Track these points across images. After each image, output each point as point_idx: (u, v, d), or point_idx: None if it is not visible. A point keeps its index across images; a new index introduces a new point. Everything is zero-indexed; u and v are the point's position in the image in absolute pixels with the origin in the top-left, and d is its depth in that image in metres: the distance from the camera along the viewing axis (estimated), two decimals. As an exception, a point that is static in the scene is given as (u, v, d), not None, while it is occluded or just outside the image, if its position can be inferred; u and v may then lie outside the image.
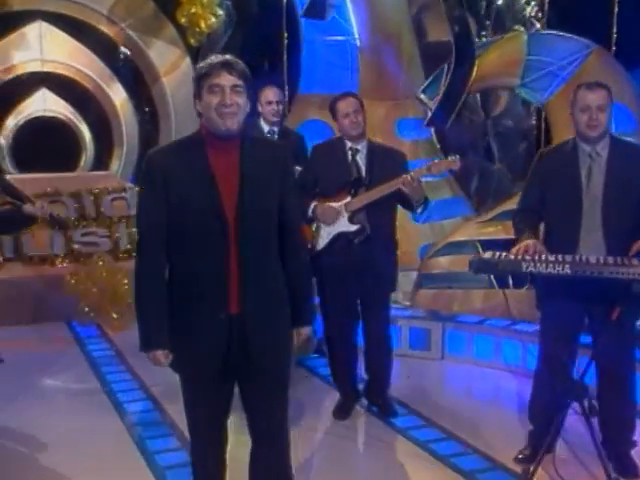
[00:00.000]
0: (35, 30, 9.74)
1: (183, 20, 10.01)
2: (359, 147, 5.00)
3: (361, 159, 4.98)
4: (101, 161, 10.13)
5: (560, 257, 3.67)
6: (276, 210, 3.24)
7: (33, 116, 9.82)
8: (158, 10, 10.21)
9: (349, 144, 5.02)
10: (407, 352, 6.30)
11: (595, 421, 3.95)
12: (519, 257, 3.68)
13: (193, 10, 10.00)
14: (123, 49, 10.13)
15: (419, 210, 5.00)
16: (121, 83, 10.22)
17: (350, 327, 5.08)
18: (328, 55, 8.89)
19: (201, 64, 3.24)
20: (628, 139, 4.47)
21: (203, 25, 10.10)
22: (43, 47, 9.81)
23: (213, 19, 10.07)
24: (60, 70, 9.94)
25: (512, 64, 7.64)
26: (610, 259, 3.66)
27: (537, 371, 4.38)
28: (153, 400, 5.46)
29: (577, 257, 3.72)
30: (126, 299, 7.27)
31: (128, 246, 7.96)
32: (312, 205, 4.97)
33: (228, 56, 3.19)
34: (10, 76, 9.74)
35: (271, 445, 3.35)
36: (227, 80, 3.08)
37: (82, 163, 10.05)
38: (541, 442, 3.97)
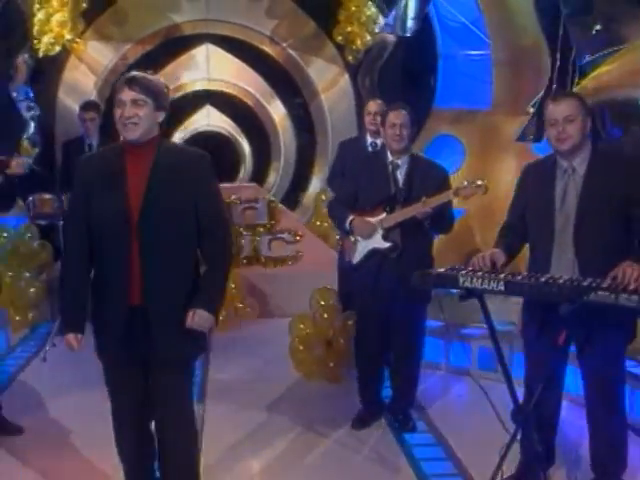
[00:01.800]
0: (203, 52, 10.50)
1: (339, 38, 10.37)
2: (400, 162, 4.88)
3: (400, 175, 4.89)
4: (259, 173, 10.67)
5: (502, 274, 3.46)
6: (186, 211, 3.43)
7: (198, 131, 10.58)
8: (318, 29, 10.59)
9: (390, 157, 4.93)
10: (476, 372, 6.05)
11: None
12: (455, 271, 3.52)
13: (349, 29, 10.33)
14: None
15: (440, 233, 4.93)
16: (280, 100, 10.69)
17: (379, 341, 5.02)
18: (465, 69, 8.80)
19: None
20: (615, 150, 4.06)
21: (359, 43, 10.38)
22: (209, 67, 10.54)
23: (369, 37, 10.30)
24: (224, 88, 10.62)
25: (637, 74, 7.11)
26: (545, 278, 3.39)
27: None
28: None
29: (519, 275, 3.48)
30: (232, 302, 7.65)
31: (252, 253, 8.37)
32: (349, 218, 4.98)
33: (134, 72, 3.48)
34: (179, 94, 10.54)
35: (177, 431, 3.53)
36: (127, 95, 3.37)
37: (241, 175, 10.67)
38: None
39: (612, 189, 3.67)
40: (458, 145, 8.44)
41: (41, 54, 9.96)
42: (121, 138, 3.51)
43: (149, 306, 3.40)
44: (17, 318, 7.30)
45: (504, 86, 8.35)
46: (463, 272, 3.50)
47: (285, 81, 10.72)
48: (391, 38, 10.50)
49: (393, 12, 9.71)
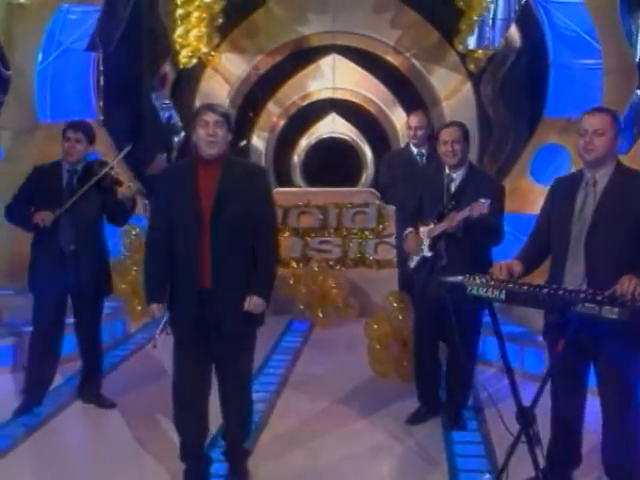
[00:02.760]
0: (329, 62, 11.05)
1: (460, 48, 10.57)
2: (454, 175, 5.10)
3: (454, 187, 5.16)
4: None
5: (506, 284, 3.66)
6: (246, 215, 4.05)
7: (322, 137, 11.14)
8: (442, 39, 10.85)
9: (447, 171, 5.21)
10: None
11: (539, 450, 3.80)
12: (466, 279, 3.77)
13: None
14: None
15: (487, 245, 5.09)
16: (402, 107, 11.02)
17: (433, 343, 5.28)
18: (578, 78, 8.82)
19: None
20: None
21: (480, 52, 10.54)
22: (335, 77, 11.07)
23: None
24: (348, 97, 11.13)
25: None
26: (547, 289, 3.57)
27: None
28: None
29: (524, 285, 3.67)
30: (334, 301, 8.09)
31: (358, 255, 8.78)
32: (407, 231, 5.30)
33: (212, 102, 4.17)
34: (305, 102, 11.16)
35: (238, 379, 4.21)
36: (211, 117, 4.02)
37: (363, 180, 11.11)
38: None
39: (628, 204, 3.79)
40: (565, 154, 8.47)
41: (180, 66, 10.84)
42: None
43: (216, 289, 4.03)
44: (139, 308, 8.04)
45: (613, 95, 8.30)
46: (471, 281, 3.76)
47: (407, 89, 11.05)
48: (514, 46, 10.62)
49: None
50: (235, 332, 4.12)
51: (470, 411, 5.40)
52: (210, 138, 3.99)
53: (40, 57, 9.22)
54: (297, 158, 11.22)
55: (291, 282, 8.22)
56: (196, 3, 10.54)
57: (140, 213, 7.93)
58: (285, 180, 11.26)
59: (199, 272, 4.04)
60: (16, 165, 8.39)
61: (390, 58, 11.01)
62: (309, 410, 5.54)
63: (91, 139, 5.46)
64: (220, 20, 10.73)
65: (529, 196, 8.44)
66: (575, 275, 3.86)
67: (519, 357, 6.33)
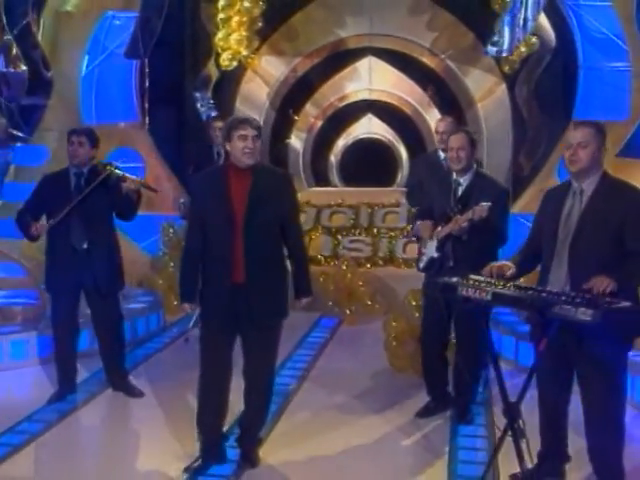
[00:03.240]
0: (365, 64, 11.30)
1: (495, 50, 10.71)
2: (461, 180, 5.31)
3: (460, 191, 5.38)
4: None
5: (493, 285, 3.88)
6: (276, 217, 4.45)
7: (359, 137, 11.40)
8: (477, 41, 11.01)
9: (454, 176, 5.43)
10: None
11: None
12: (458, 280, 3.99)
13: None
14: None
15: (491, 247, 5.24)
16: (437, 108, 11.21)
17: (440, 341, 5.50)
18: (607, 81, 8.91)
19: (232, 118, 4.62)
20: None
21: (515, 54, 10.67)
22: (372, 78, 11.31)
23: (523, 49, 10.57)
24: (384, 98, 11.37)
25: None
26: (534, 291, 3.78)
27: None
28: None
29: (510, 286, 3.89)
30: (361, 299, 8.35)
31: (387, 254, 9.02)
32: (415, 223, 5.56)
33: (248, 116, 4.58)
34: (342, 104, 11.43)
35: (263, 366, 4.55)
36: (250, 132, 4.37)
37: (398, 179, 11.32)
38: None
39: (611, 212, 3.96)
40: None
41: (221, 68, 11.20)
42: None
43: (248, 284, 4.39)
44: (175, 303, 8.38)
45: (640, 98, 8.40)
46: (462, 282, 3.99)
47: (442, 91, 11.24)
48: (549, 47, 10.71)
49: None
50: (264, 323, 4.50)
51: (479, 407, 5.61)
52: (248, 150, 4.35)
53: (85, 62, 9.65)
54: (334, 158, 11.50)
55: (321, 280, 8.48)
56: (237, 7, 10.90)
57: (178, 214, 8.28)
58: (322, 179, 11.55)
59: (232, 269, 4.40)
60: (61, 165, 8.75)
61: (425, 60, 11.23)
62: (324, 402, 5.81)
63: (94, 143, 5.76)
64: (260, 24, 11.09)
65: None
66: (559, 278, 4.05)
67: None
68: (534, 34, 10.62)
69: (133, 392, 5.91)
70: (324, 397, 5.94)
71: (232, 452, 4.73)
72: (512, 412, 3.95)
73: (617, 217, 3.96)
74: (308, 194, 9.95)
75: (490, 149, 10.97)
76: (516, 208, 8.97)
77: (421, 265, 5.54)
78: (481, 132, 11.10)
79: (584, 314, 3.48)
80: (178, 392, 5.92)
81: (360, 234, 9.23)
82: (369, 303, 8.40)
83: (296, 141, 11.70)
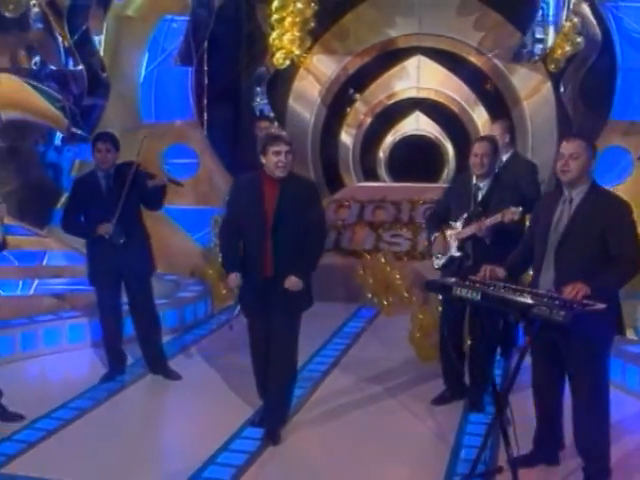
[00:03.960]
0: (414, 63, 11.65)
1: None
2: (481, 185, 5.63)
3: (480, 195, 5.74)
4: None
5: (485, 287, 4.26)
6: (300, 220, 5.03)
7: (407, 134, 11.76)
8: (524, 40, 11.25)
9: (474, 180, 5.80)
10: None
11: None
12: (454, 281, 4.38)
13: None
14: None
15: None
16: (484, 106, 11.50)
17: (457, 333, 5.88)
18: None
19: (266, 134, 5.26)
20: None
21: (559, 53, 10.90)
22: (420, 77, 11.66)
23: (568, 47, 10.79)
24: (432, 96, 11.71)
25: None
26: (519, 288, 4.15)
27: None
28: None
29: (500, 287, 4.27)
30: (398, 291, 8.75)
31: (426, 248, 9.37)
32: (434, 235, 5.94)
33: (283, 132, 5.24)
34: (391, 101, 11.81)
35: (284, 347, 5.16)
36: (283, 148, 4.98)
37: (444, 175, 11.66)
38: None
39: (595, 219, 4.29)
40: (627, 156, 8.80)
41: (275, 67, 11.71)
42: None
43: (276, 277, 5.03)
44: (223, 292, 8.94)
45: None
46: (457, 282, 4.39)
47: (489, 89, 11.51)
48: (595, 47, 10.87)
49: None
50: (287, 312, 5.12)
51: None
52: (281, 164, 4.98)
53: (145, 63, 10.26)
54: (382, 154, 11.91)
55: (361, 272, 8.93)
56: (290, 9, 11.38)
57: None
58: (371, 175, 11.97)
59: (263, 265, 5.06)
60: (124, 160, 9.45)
61: (473, 59, 11.52)
62: (349, 388, 6.26)
63: (117, 147, 6.28)
64: (312, 24, 11.54)
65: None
66: (547, 280, 4.41)
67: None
68: (579, 33, 10.84)
69: (172, 375, 6.45)
70: (350, 383, 6.39)
71: (257, 431, 5.27)
72: (499, 402, 4.36)
73: (601, 224, 4.30)
74: (353, 190, 10.39)
75: (535, 146, 11.27)
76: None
77: (438, 264, 5.93)
78: (526, 129, 11.39)
79: (557, 315, 3.86)
80: (219, 374, 6.51)
81: (401, 229, 9.61)
82: (406, 295, 8.79)
83: (346, 137, 12.13)
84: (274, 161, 4.98)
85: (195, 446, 5.14)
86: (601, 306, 3.97)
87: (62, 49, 10.12)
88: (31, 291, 7.72)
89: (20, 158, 10.46)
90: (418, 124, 11.82)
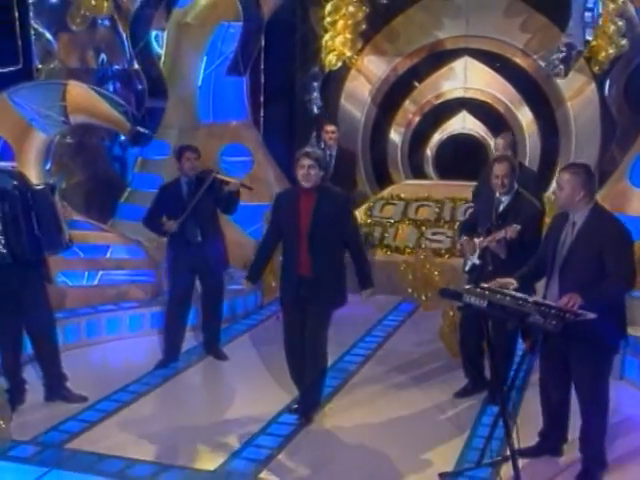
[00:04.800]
0: (461, 64, 12.04)
1: (585, 51, 11.24)
2: (503, 199, 6.11)
3: (501, 208, 6.14)
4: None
5: (493, 294, 4.75)
6: (334, 229, 5.70)
7: (453, 133, 12.19)
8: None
9: (497, 195, 6.22)
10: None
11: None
12: (465, 289, 4.89)
13: (594, 42, 11.16)
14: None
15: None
16: (529, 107, 11.85)
17: (476, 333, 6.31)
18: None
19: (297, 152, 5.86)
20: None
21: (603, 55, 11.17)
22: (467, 77, 12.05)
23: (611, 50, 11.06)
24: (478, 96, 12.09)
25: None
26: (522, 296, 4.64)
27: None
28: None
29: (504, 293, 4.75)
30: (436, 286, 9.21)
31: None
32: (462, 238, 6.46)
33: (309, 149, 5.93)
34: (439, 101, 12.25)
35: (315, 338, 5.82)
36: (306, 162, 5.66)
37: (489, 173, 12.03)
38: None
39: (594, 241, 4.74)
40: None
41: (327, 68, 12.25)
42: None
43: (311, 277, 5.71)
44: (273, 284, 9.52)
45: None
46: (467, 290, 4.90)
47: (534, 90, 11.85)
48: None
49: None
50: (319, 307, 5.77)
51: (512, 391, 6.46)
52: (304, 177, 5.68)
53: (203, 66, 10.89)
54: (430, 152, 12.35)
55: (402, 268, 9.44)
56: (342, 12, 11.89)
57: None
58: (418, 172, 12.43)
59: (299, 265, 5.76)
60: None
61: (518, 60, 11.85)
62: (380, 379, 6.84)
63: (199, 155, 7.09)
64: (363, 26, 12.01)
65: (623, 198, 9.17)
66: (553, 293, 4.89)
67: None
68: (623, 35, 11.10)
69: (221, 356, 7.24)
70: (381, 375, 6.96)
71: (290, 417, 5.89)
72: (502, 398, 4.87)
73: (599, 246, 4.75)
74: (398, 188, 10.87)
75: (579, 146, 11.57)
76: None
77: (466, 268, 6.44)
78: (570, 130, 11.72)
79: (549, 324, 4.36)
80: (265, 362, 7.18)
81: (442, 226, 10.07)
82: (443, 290, 9.26)
83: (395, 135, 12.60)
84: (300, 174, 5.69)
85: (238, 426, 5.83)
86: (592, 316, 4.43)
87: (127, 50, 10.82)
88: (95, 282, 8.38)
89: (87, 152, 11.22)
90: (465, 123, 12.21)
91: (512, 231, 5.86)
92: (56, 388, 6.18)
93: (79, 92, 9.16)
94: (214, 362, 7.26)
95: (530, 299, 4.73)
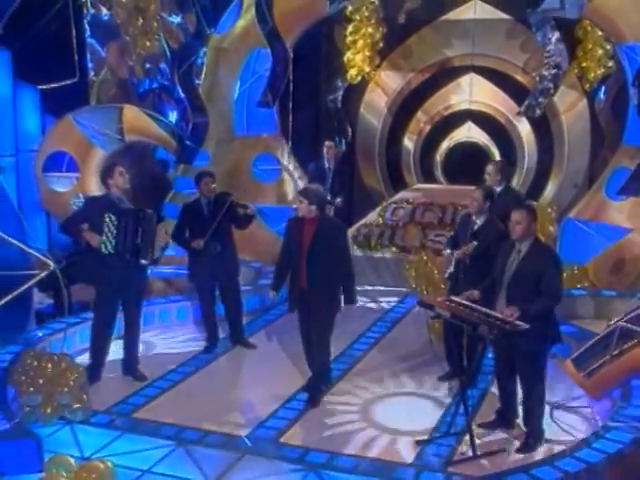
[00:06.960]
0: (467, 80, 13.51)
1: (576, 71, 12.63)
2: (478, 221, 7.49)
3: (475, 228, 7.51)
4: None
5: (460, 305, 6.28)
6: (331, 250, 7.05)
7: (459, 141, 13.66)
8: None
9: (474, 218, 7.56)
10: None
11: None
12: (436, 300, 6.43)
13: (584, 64, 12.53)
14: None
15: None
16: (527, 119, 13.27)
17: (457, 331, 7.71)
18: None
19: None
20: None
21: (592, 76, 12.54)
22: (472, 92, 13.49)
23: (599, 71, 12.42)
24: (482, 108, 13.55)
25: None
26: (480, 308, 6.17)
27: None
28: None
29: (467, 306, 6.27)
30: (436, 283, 10.74)
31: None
32: (444, 253, 8.01)
33: (307, 187, 7.43)
34: (447, 112, 13.72)
35: (318, 339, 7.22)
36: (299, 199, 7.13)
37: (491, 178, 13.48)
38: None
39: (533, 267, 6.18)
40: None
41: (348, 82, 13.75)
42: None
43: (309, 289, 7.11)
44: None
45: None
46: (438, 302, 6.44)
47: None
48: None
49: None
50: (320, 313, 7.17)
51: (486, 376, 7.96)
52: (298, 208, 7.18)
53: (238, 85, 12.42)
54: (439, 157, 13.88)
55: (407, 266, 10.98)
56: (362, 32, 13.37)
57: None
58: (429, 176, 13.96)
59: (299, 278, 7.16)
60: (218, 167, 11.66)
61: (519, 77, 13.26)
62: (381, 365, 8.32)
63: (215, 179, 8.48)
64: (381, 45, 13.49)
65: (599, 209, 10.59)
66: (501, 306, 6.38)
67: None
68: (611, 58, 12.43)
69: (248, 345, 8.74)
70: (382, 361, 8.44)
71: (299, 403, 7.46)
72: (462, 383, 6.44)
73: (537, 270, 6.21)
74: (407, 193, 12.39)
75: (571, 155, 12.99)
76: (573, 213, 11.06)
77: (445, 275, 7.99)
78: (564, 140, 13.12)
79: (491, 332, 5.91)
80: (284, 347, 8.68)
81: (444, 229, 11.55)
82: (442, 287, 10.75)
83: (408, 142, 14.11)
84: (297, 206, 7.20)
85: (263, 401, 7.32)
86: (525, 326, 5.94)
87: (171, 68, 12.38)
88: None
89: (135, 152, 12.79)
90: (470, 132, 13.71)
91: (466, 249, 7.42)
92: (133, 366, 7.76)
93: (133, 114, 10.77)
94: (244, 349, 8.77)
95: (483, 311, 6.27)
